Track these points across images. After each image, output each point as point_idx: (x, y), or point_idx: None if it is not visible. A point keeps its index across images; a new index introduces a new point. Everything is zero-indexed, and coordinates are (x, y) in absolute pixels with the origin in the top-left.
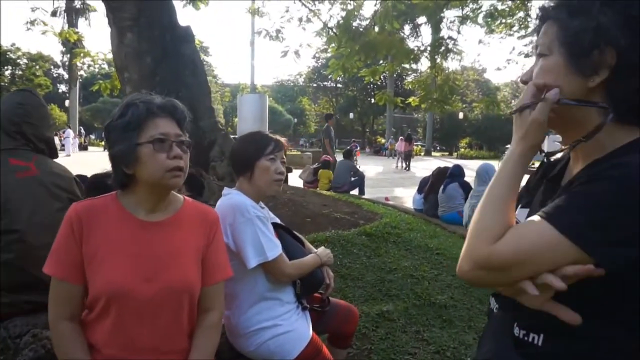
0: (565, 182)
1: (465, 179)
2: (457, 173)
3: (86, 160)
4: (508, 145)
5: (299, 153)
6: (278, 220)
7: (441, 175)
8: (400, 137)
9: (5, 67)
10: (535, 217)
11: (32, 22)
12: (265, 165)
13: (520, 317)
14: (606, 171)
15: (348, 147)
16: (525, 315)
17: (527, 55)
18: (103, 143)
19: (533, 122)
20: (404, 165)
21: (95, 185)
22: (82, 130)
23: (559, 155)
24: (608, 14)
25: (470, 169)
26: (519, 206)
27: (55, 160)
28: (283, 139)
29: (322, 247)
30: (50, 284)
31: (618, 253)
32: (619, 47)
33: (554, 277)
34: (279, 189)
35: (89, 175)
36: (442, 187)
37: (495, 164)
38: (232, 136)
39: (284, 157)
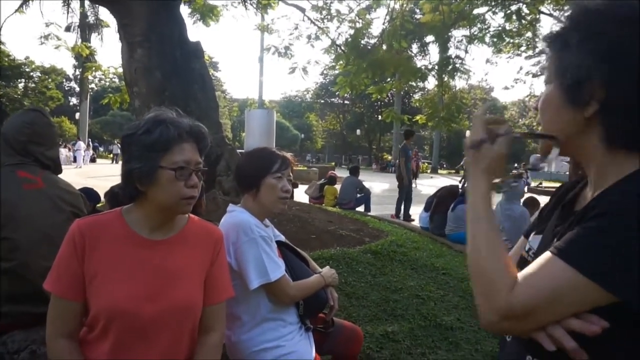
0: (579, 207)
1: None
2: None
3: (96, 171)
4: (516, 164)
5: (306, 168)
6: (282, 238)
7: (447, 195)
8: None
9: (19, 80)
10: (551, 256)
11: (46, 37)
12: (271, 183)
13: (533, 347)
14: (616, 203)
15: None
16: (537, 345)
17: (534, 75)
18: (111, 155)
19: (499, 155)
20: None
21: (116, 195)
22: (96, 143)
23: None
24: (587, 49)
25: None
26: (533, 233)
27: (61, 175)
28: (290, 156)
29: (327, 267)
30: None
31: None
32: (604, 80)
33: (564, 335)
34: (284, 207)
35: (93, 188)
36: (452, 205)
37: None
38: (239, 151)
39: (291, 174)
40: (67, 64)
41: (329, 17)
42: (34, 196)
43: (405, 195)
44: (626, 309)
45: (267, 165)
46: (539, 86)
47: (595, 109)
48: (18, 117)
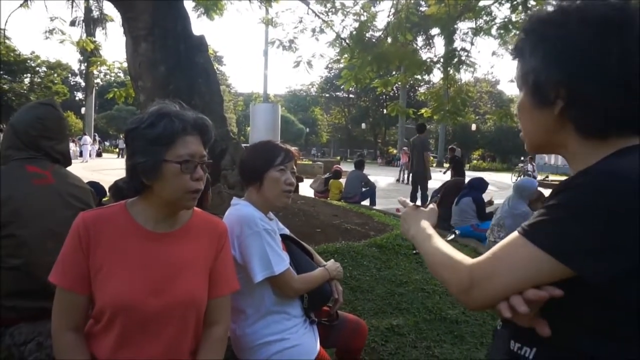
0: None
1: (487, 192)
2: (476, 186)
3: (102, 166)
4: (522, 158)
5: (311, 162)
6: (287, 231)
7: (453, 189)
8: (404, 148)
9: (25, 75)
10: (515, 233)
11: (51, 31)
12: (274, 176)
13: (516, 331)
14: (573, 180)
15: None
16: (519, 330)
17: None
18: (117, 150)
19: (433, 210)
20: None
21: (120, 189)
22: (99, 138)
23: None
24: (538, 55)
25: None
26: None
27: (70, 168)
28: (294, 149)
29: (332, 260)
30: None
31: (598, 264)
32: (560, 80)
33: (520, 302)
34: (288, 201)
35: (99, 182)
36: (457, 198)
37: (509, 177)
38: (243, 145)
39: (295, 167)
40: (72, 58)
41: (333, 10)
42: (42, 192)
43: (422, 189)
44: (584, 282)
45: (270, 158)
46: None
47: (562, 106)
48: (29, 111)
